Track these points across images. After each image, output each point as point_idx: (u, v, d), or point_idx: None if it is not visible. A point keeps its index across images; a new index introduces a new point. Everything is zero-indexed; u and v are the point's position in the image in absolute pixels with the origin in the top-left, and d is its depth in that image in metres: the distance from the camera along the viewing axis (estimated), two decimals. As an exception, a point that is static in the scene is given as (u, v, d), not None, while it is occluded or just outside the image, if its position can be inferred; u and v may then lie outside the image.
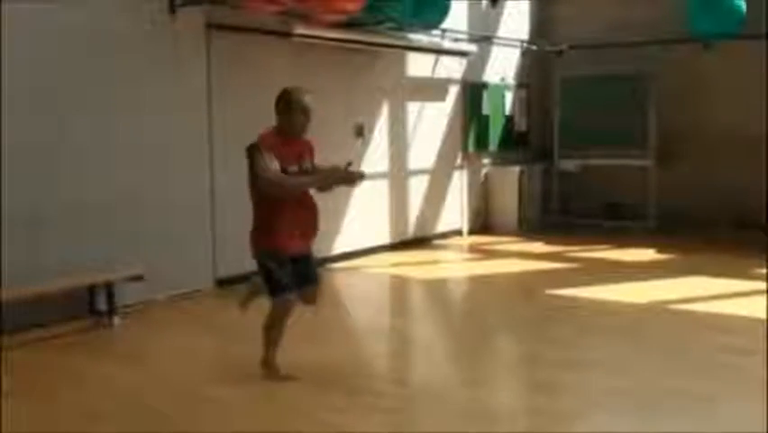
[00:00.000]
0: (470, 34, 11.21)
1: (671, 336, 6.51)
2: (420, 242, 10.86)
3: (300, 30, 8.30)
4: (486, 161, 12.15)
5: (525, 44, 12.45)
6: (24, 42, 6.47)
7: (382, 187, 10.28)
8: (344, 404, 4.93)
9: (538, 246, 10.78)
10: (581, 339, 6.43)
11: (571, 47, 12.23)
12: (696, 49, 10.86)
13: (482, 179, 12.12)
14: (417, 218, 10.92)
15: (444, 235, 11.34)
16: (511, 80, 12.43)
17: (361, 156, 9.65)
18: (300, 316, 5.75)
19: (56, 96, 6.72)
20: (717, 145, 11.51)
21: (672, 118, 11.67)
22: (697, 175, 11.63)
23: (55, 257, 6.63)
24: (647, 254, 10.13)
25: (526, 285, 8.66)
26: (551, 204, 12.74)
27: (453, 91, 11.41)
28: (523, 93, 12.66)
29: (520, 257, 10.12)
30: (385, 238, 10.37)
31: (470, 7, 11.37)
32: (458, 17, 10.71)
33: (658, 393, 5.08)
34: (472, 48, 11.22)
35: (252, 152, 5.04)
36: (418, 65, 10.71)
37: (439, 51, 10.70)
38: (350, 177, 5.30)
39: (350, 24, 8.82)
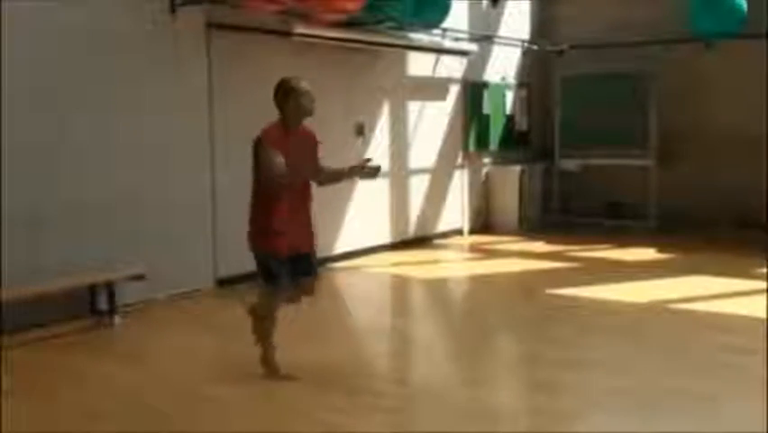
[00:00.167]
0: (470, 34, 11.21)
1: (671, 336, 6.50)
2: (421, 241, 10.86)
3: (300, 29, 8.29)
4: (486, 160, 12.15)
5: (525, 44, 12.44)
6: (24, 42, 6.46)
7: (383, 186, 10.27)
8: (344, 404, 4.93)
9: (539, 246, 10.77)
10: (582, 339, 6.43)
11: (572, 46, 12.23)
12: (697, 48, 10.85)
13: (483, 178, 12.11)
14: (418, 218, 10.92)
15: (445, 235, 11.34)
16: (512, 80, 12.42)
17: (361, 155, 9.64)
18: (298, 313, 5.77)
19: (56, 95, 6.72)
20: (718, 145, 11.50)
21: (672, 118, 11.66)
22: (698, 174, 11.62)
23: (55, 257, 6.62)
24: (648, 254, 10.12)
25: (527, 285, 8.66)
26: (551, 203, 12.73)
27: (454, 90, 11.41)
28: (524, 92, 12.65)
29: (521, 257, 10.12)
30: (385, 238, 10.37)
31: (471, 7, 11.36)
32: (459, 16, 10.71)
33: (659, 393, 5.08)
34: (473, 47, 11.22)
35: (257, 147, 5.07)
36: (419, 64, 10.70)
37: (440, 51, 10.69)
38: (371, 171, 5.39)
39: (350, 24, 8.82)
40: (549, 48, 12.51)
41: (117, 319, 6.81)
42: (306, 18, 8.27)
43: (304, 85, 5.17)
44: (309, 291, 5.46)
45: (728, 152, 11.37)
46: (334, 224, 9.44)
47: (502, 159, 12.23)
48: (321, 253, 8.96)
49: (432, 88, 11.01)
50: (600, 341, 6.40)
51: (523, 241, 11.16)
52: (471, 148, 11.68)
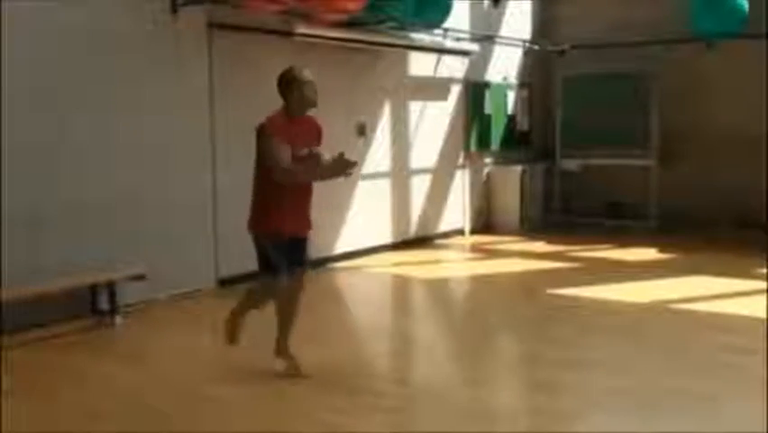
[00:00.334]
0: (472, 34, 11.21)
1: (672, 336, 6.50)
2: (422, 241, 10.86)
3: (302, 29, 8.30)
4: (488, 160, 12.14)
5: (527, 44, 12.44)
6: (24, 42, 6.46)
7: (384, 186, 10.28)
8: (345, 404, 4.93)
9: (540, 246, 10.77)
10: (582, 339, 6.42)
11: (573, 47, 12.22)
12: (698, 48, 10.85)
13: (484, 178, 12.11)
14: (419, 218, 10.92)
15: (446, 235, 11.33)
16: (513, 80, 12.42)
17: (363, 155, 9.65)
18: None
19: (56, 95, 6.72)
20: (719, 145, 11.49)
21: (673, 118, 11.65)
22: (698, 175, 11.62)
23: (56, 257, 6.62)
24: (649, 254, 10.12)
25: (528, 284, 8.66)
26: (552, 203, 12.73)
27: (455, 90, 11.41)
28: (525, 92, 12.65)
29: (522, 257, 10.12)
30: (387, 238, 10.37)
31: (473, 7, 11.36)
32: (460, 16, 10.71)
33: (659, 393, 5.08)
34: (474, 47, 11.22)
35: (263, 137, 5.07)
36: (420, 64, 10.70)
37: (441, 51, 10.69)
38: (347, 165, 5.09)
39: (351, 24, 8.82)
40: (550, 48, 12.50)
41: (118, 319, 6.81)
42: (307, 18, 8.27)
43: (307, 74, 5.18)
44: (301, 285, 5.39)
45: (729, 152, 11.36)
46: (336, 224, 9.44)
47: (503, 159, 12.23)
48: (322, 252, 9.03)
49: (433, 88, 11.01)
50: (601, 341, 6.40)
51: (524, 241, 11.16)
52: (473, 148, 11.68)
